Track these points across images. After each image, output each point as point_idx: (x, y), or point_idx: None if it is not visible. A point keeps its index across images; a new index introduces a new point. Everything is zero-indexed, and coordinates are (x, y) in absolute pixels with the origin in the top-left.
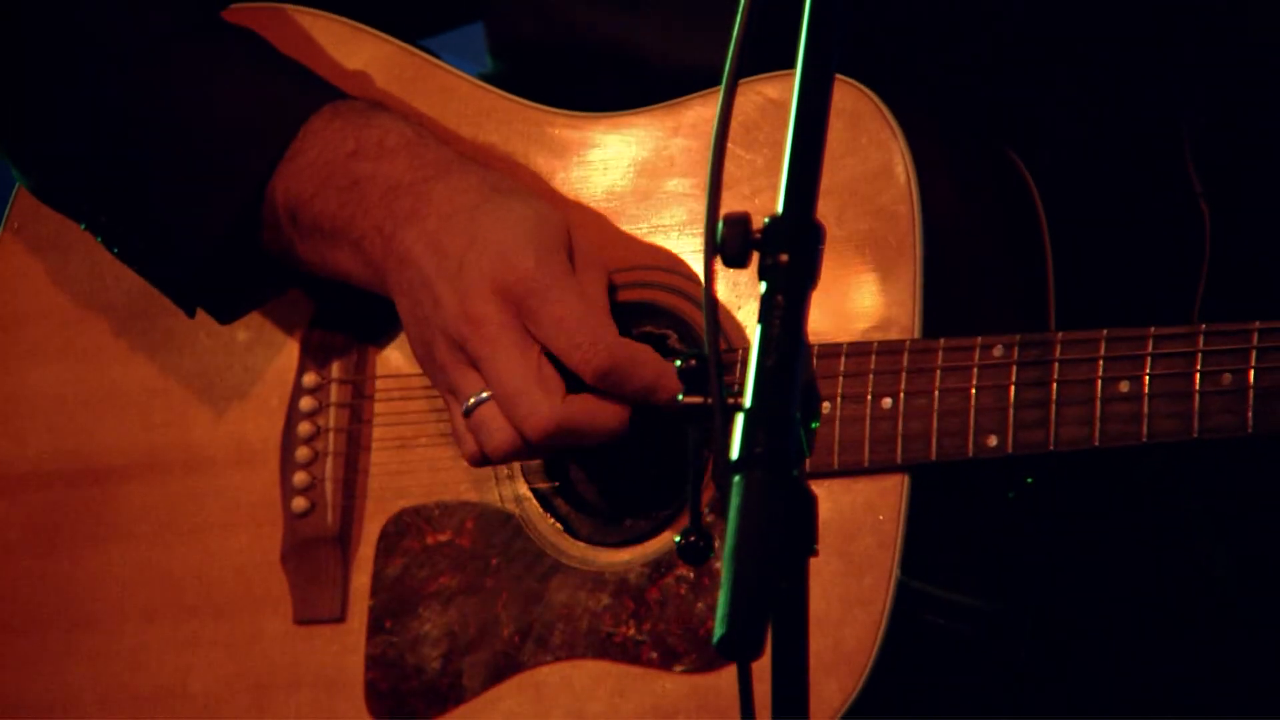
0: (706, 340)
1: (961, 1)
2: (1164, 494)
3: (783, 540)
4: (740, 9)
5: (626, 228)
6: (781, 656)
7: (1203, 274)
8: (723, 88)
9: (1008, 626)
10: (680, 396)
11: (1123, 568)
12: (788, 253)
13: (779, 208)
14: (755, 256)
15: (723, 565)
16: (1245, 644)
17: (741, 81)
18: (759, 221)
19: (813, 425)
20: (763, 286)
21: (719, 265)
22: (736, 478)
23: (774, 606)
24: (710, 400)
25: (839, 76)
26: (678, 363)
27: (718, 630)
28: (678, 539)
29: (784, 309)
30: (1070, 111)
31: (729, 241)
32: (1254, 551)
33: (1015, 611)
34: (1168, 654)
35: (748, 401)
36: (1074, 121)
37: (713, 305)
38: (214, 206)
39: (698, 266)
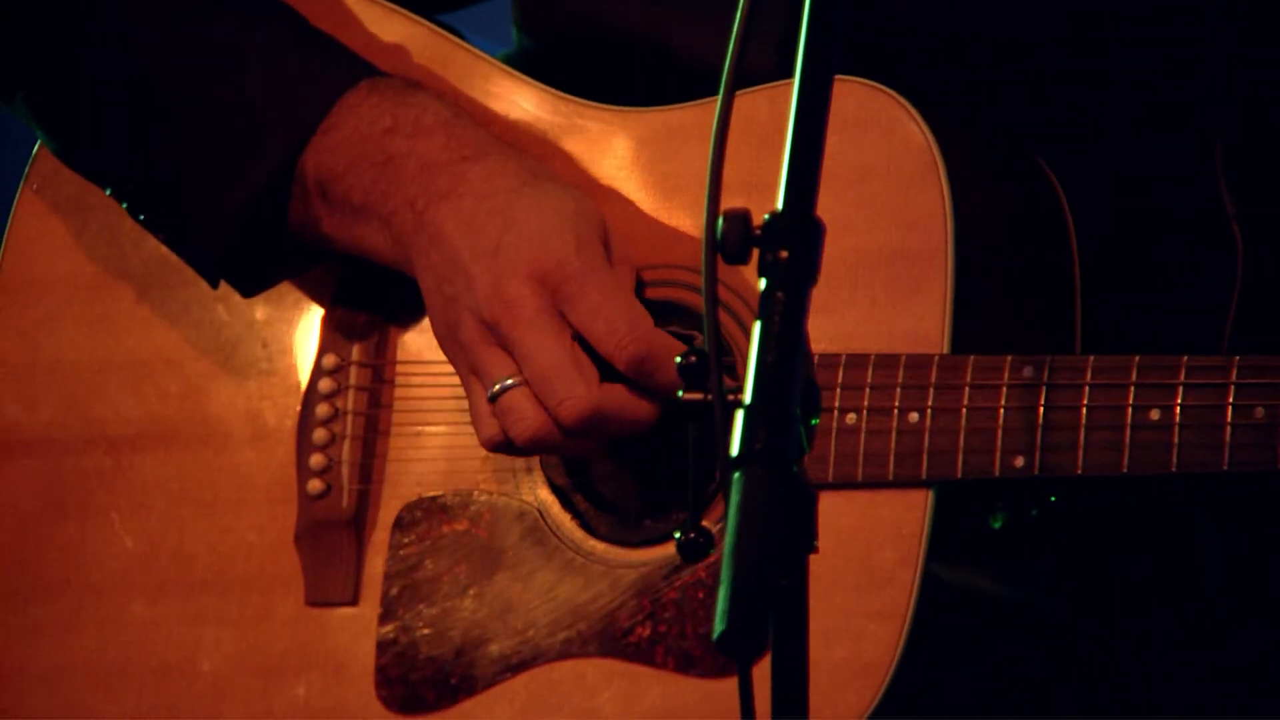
0: (707, 337)
1: (990, 11)
2: (1173, 500)
3: (783, 537)
4: (740, 4)
5: (654, 225)
6: (781, 654)
7: (1234, 298)
8: (723, 80)
9: (1023, 621)
10: (680, 393)
11: (1127, 567)
12: (788, 249)
13: (779, 204)
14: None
15: (722, 562)
16: (1249, 644)
17: (765, 86)
18: (760, 218)
19: (813, 421)
20: (763, 283)
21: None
22: (736, 474)
23: (774, 603)
24: (711, 397)
25: (873, 84)
26: (678, 359)
27: (717, 627)
28: (677, 534)
29: (784, 305)
30: (1097, 126)
31: (729, 237)
32: (1257, 550)
33: (1030, 606)
34: (1171, 654)
35: (747, 398)
36: (1101, 136)
37: (713, 301)
38: (243, 177)
39: (725, 267)
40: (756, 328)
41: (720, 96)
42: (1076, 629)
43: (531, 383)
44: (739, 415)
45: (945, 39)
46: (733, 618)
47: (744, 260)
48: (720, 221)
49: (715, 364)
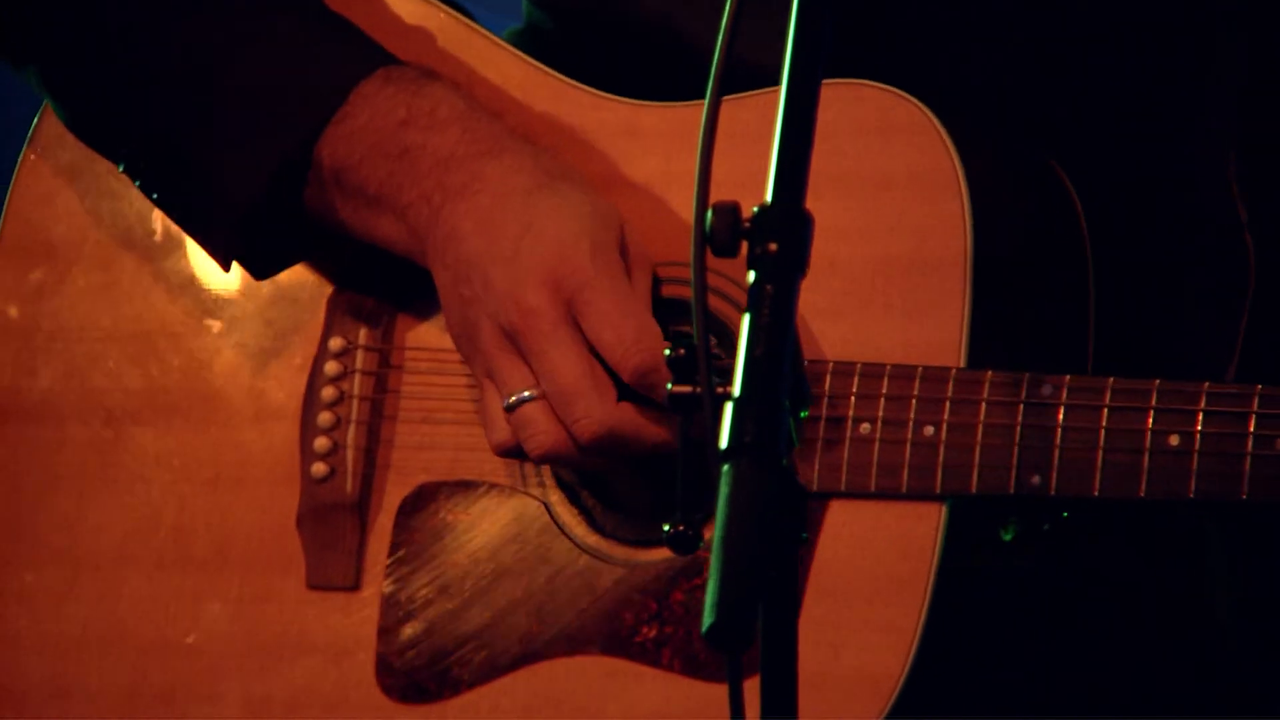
0: (695, 329)
1: (1003, 14)
2: (1186, 521)
3: (771, 529)
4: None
5: (670, 221)
6: (770, 647)
7: (1246, 307)
8: (712, 72)
9: (1033, 633)
10: (670, 385)
11: (1138, 580)
12: (777, 241)
13: (768, 196)
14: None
15: (711, 554)
16: (1252, 645)
17: (764, 91)
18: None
19: (801, 414)
20: (751, 275)
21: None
22: (725, 467)
23: (763, 596)
24: (700, 389)
25: (896, 91)
26: (666, 352)
27: (706, 619)
28: (665, 527)
29: (773, 298)
30: (1109, 132)
31: (718, 230)
32: (1259, 554)
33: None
34: (1178, 668)
35: (736, 390)
36: (1114, 143)
37: (702, 294)
38: (258, 163)
39: (738, 267)
40: (745, 320)
41: (710, 85)
42: (1086, 640)
43: (550, 398)
44: (728, 408)
45: (958, 43)
46: (721, 610)
47: (733, 253)
48: (709, 214)
49: (704, 356)
